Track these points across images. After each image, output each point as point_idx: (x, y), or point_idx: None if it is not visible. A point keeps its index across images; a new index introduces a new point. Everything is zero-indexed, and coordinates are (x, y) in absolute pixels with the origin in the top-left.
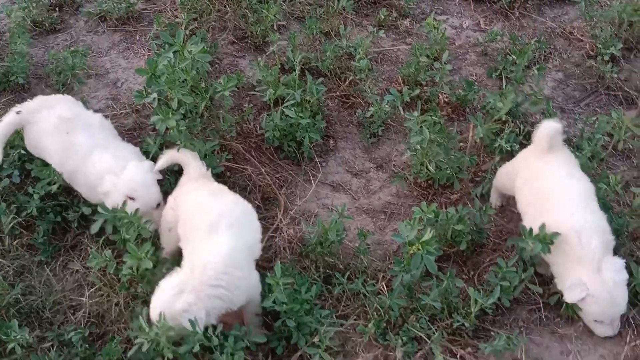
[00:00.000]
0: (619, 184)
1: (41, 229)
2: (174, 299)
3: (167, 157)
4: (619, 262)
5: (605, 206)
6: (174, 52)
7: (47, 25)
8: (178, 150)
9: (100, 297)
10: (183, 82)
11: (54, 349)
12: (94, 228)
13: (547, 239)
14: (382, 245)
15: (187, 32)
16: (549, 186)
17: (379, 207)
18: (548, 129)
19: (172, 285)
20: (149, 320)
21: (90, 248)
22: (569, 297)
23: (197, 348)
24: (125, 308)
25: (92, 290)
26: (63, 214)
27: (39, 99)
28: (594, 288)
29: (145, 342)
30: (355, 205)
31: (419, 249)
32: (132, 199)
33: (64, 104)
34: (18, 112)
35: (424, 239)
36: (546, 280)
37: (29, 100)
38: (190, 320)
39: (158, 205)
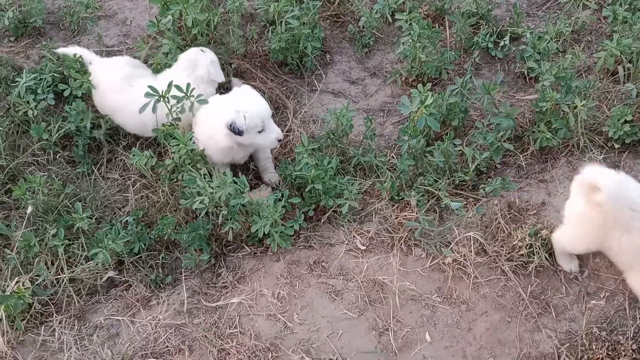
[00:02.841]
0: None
1: (80, 143)
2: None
3: None
4: None
5: None
6: None
7: None
8: None
9: (143, 192)
10: (195, 1)
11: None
12: None
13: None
14: (383, 136)
15: None
16: None
17: (377, 107)
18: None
19: None
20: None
21: (126, 158)
22: None
23: (245, 200)
24: (169, 199)
25: (136, 186)
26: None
27: None
28: None
29: (204, 198)
30: (355, 107)
31: (422, 114)
32: None
33: None
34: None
35: (427, 103)
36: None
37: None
38: None
39: None
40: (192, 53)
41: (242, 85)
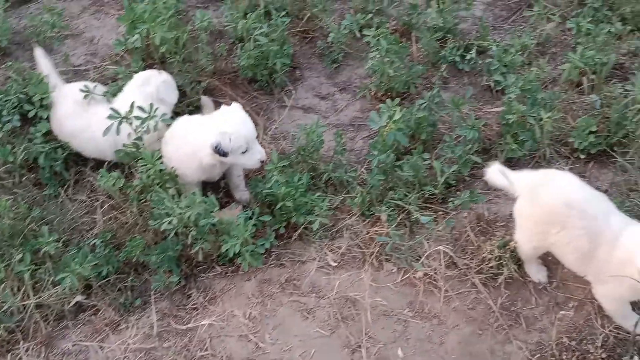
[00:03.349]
0: None
1: (46, 165)
2: None
3: None
4: None
5: None
6: None
7: None
8: None
9: (111, 213)
10: (163, 19)
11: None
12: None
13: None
14: (354, 151)
15: None
16: None
17: (347, 122)
18: None
19: None
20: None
21: (93, 179)
22: None
23: (214, 220)
24: (137, 220)
25: (104, 207)
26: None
27: None
28: None
29: (173, 219)
30: (326, 123)
31: (391, 129)
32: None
33: None
34: None
35: (395, 118)
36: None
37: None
38: None
39: None
40: (147, 72)
41: (209, 102)
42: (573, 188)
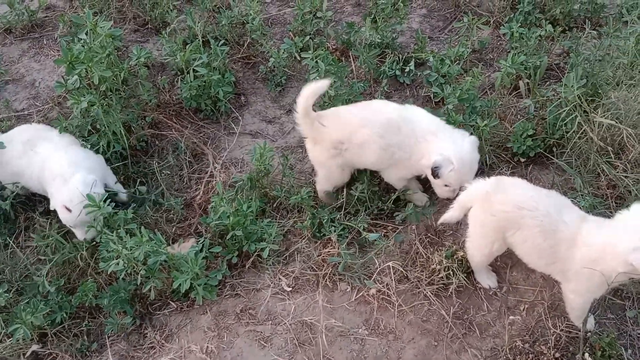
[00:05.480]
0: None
1: None
2: None
3: None
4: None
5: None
6: (86, 32)
7: None
8: None
9: (64, 258)
10: (100, 58)
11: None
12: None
13: None
14: (303, 173)
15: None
16: None
17: (295, 143)
18: None
19: None
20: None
21: (41, 226)
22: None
23: (163, 257)
24: (90, 263)
25: (55, 256)
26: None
27: None
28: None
29: (120, 260)
30: (274, 146)
31: None
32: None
33: None
34: None
35: None
36: None
37: None
38: None
39: None
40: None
41: None
42: (521, 190)
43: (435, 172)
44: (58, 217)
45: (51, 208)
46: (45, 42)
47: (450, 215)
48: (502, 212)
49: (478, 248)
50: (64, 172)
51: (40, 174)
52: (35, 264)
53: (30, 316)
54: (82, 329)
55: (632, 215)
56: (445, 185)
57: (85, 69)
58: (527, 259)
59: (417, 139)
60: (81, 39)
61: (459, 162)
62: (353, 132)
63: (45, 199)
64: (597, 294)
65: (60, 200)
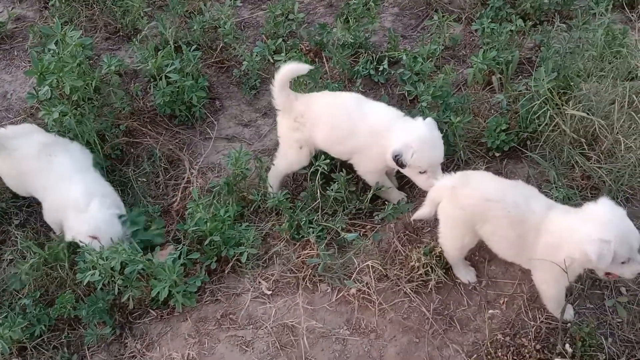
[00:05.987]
0: None
1: None
2: None
3: None
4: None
5: None
6: (56, 42)
7: None
8: None
9: (43, 269)
10: (71, 68)
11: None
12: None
13: None
14: None
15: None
16: None
17: (271, 146)
18: None
19: None
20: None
21: (17, 238)
22: None
23: (140, 266)
24: (68, 274)
25: (34, 265)
26: None
27: None
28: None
29: (96, 271)
30: (251, 150)
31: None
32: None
33: None
34: None
35: None
36: None
37: None
38: None
39: None
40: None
41: None
42: (487, 182)
43: (399, 161)
44: (34, 228)
45: (68, 239)
46: (16, 54)
47: (422, 211)
48: (469, 205)
49: (450, 242)
50: (79, 202)
51: (47, 183)
52: (12, 278)
53: (7, 330)
54: (61, 341)
55: (598, 208)
56: (421, 173)
57: (56, 79)
58: (498, 250)
59: (372, 130)
60: (51, 50)
61: (417, 143)
62: (312, 106)
63: (21, 211)
64: (565, 282)
65: (85, 231)
